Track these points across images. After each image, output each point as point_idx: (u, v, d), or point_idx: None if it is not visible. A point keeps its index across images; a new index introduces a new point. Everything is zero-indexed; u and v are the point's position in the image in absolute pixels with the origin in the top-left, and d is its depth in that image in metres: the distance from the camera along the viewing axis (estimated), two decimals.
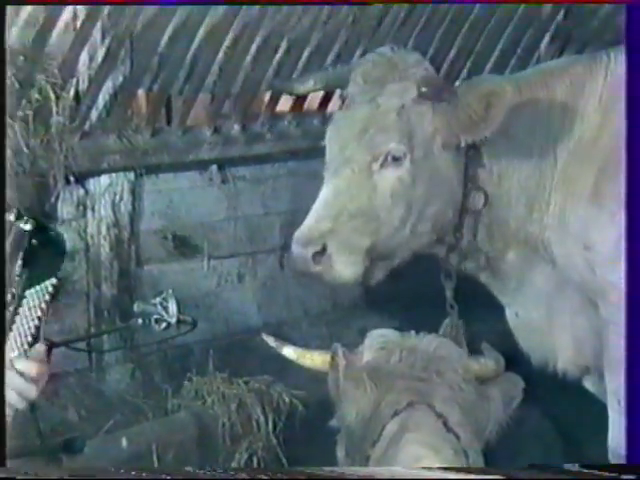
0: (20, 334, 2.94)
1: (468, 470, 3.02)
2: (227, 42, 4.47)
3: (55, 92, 4.06)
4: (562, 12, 5.31)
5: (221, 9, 4.40)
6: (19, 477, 3.04)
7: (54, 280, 2.94)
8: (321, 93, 4.88)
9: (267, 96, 4.75)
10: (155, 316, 3.61)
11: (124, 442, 4.01)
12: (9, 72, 3.90)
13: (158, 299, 3.68)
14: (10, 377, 2.90)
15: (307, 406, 4.12)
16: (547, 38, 5.35)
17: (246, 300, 4.70)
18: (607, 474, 2.84)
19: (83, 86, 4.20)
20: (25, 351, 2.93)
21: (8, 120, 3.95)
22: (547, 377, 4.10)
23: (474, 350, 3.53)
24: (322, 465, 3.51)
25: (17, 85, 3.96)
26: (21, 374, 2.87)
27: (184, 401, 4.25)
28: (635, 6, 3.65)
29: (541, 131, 3.89)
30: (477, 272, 4.05)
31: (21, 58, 3.97)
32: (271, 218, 4.77)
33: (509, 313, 4.10)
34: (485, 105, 3.66)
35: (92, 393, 4.23)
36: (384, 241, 3.76)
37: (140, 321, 3.68)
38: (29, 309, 2.93)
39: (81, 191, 4.27)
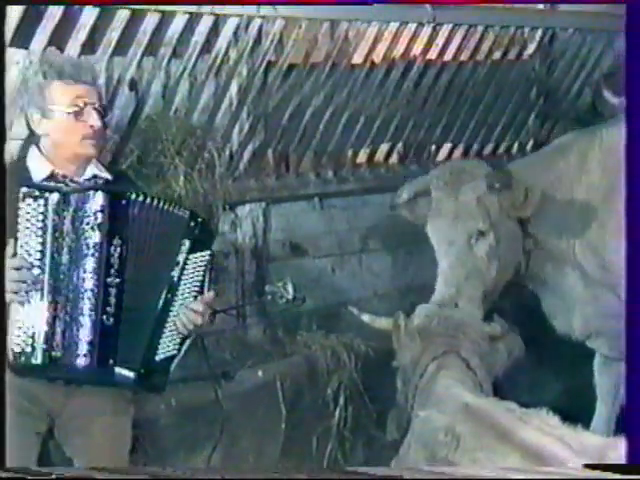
0: (188, 287, 2.92)
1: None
2: (325, 117, 4.51)
3: (218, 152, 4.11)
4: (542, 98, 5.25)
5: (322, 95, 4.44)
6: (20, 477, 2.60)
7: (209, 252, 2.95)
8: (385, 150, 4.88)
9: (350, 153, 4.77)
10: (279, 294, 3.72)
11: (260, 373, 4.04)
12: (191, 140, 4.00)
13: (281, 284, 3.79)
14: (185, 312, 2.92)
15: (377, 352, 4.10)
16: (533, 116, 5.30)
17: (336, 285, 4.69)
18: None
19: (235, 148, 4.27)
20: (195, 297, 2.93)
21: (188, 169, 3.99)
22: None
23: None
24: (386, 389, 3.60)
25: (195, 148, 4.01)
26: (192, 311, 2.91)
27: (297, 348, 4.26)
28: (635, 6, 2.89)
29: (564, 186, 3.94)
30: (524, 281, 4.09)
31: (199, 131, 4.04)
32: (353, 232, 4.75)
33: (544, 304, 4.13)
34: (524, 198, 3.78)
35: (239, 342, 4.25)
36: (490, 286, 3.84)
37: (269, 297, 3.78)
38: (192, 269, 2.92)
39: (232, 215, 4.31)
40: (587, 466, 2.38)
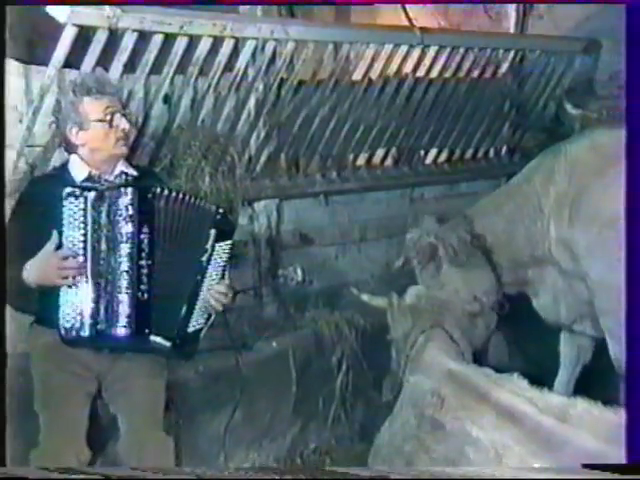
0: (214, 271, 2.95)
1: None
2: (330, 126, 4.48)
3: (238, 156, 4.10)
4: (514, 110, 5.22)
5: (327, 107, 4.39)
6: (19, 476, 2.48)
7: (231, 241, 2.99)
8: (381, 154, 4.82)
9: (351, 156, 4.75)
10: (290, 277, 3.74)
11: (274, 344, 4.04)
12: (215, 146, 3.96)
13: (291, 268, 3.82)
14: (210, 294, 2.95)
15: (374, 326, 4.08)
16: (506, 125, 5.28)
17: (339, 269, 4.67)
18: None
19: (253, 152, 4.24)
20: (220, 279, 2.97)
21: (212, 170, 3.98)
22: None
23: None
24: (382, 358, 3.63)
25: (219, 153, 4.00)
26: (217, 292, 2.95)
27: (306, 323, 4.24)
28: (635, 6, 2.59)
29: (530, 205, 3.88)
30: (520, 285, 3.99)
31: (221, 139, 4.02)
32: (353, 224, 4.72)
33: (535, 303, 4.02)
34: (452, 250, 3.71)
35: (256, 318, 4.23)
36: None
37: (282, 280, 3.81)
38: (218, 255, 2.95)
39: (250, 210, 4.30)
40: (587, 466, 2.26)
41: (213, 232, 2.95)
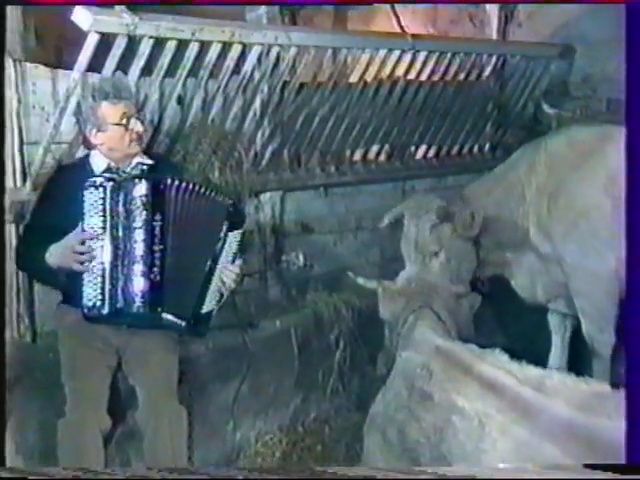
0: (226, 256, 2.97)
1: None
2: (329, 124, 4.46)
3: (245, 152, 4.09)
4: (496, 110, 5.21)
5: (327, 106, 4.36)
6: (19, 477, 2.36)
7: (241, 230, 3.01)
8: (375, 150, 4.81)
9: (348, 152, 4.73)
10: (292, 262, 3.74)
11: (277, 323, 4.04)
12: (224, 143, 3.93)
13: (294, 254, 3.81)
14: (225, 273, 2.96)
15: (368, 307, 4.02)
16: (489, 124, 5.27)
17: (337, 255, 4.66)
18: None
19: (258, 149, 4.23)
20: (231, 262, 2.98)
21: (221, 165, 3.96)
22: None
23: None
24: (376, 335, 3.58)
25: (227, 149, 3.99)
26: (231, 271, 2.97)
27: (307, 304, 4.23)
28: (635, 6, 2.42)
29: (515, 192, 3.88)
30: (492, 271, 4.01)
31: (229, 137, 4.00)
32: (349, 214, 4.73)
33: (513, 282, 4.05)
34: (471, 220, 3.71)
35: (262, 299, 4.23)
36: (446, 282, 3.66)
37: (285, 265, 3.80)
38: (230, 244, 2.96)
39: (256, 201, 4.28)
40: (587, 466, 2.13)
41: (226, 222, 2.96)
